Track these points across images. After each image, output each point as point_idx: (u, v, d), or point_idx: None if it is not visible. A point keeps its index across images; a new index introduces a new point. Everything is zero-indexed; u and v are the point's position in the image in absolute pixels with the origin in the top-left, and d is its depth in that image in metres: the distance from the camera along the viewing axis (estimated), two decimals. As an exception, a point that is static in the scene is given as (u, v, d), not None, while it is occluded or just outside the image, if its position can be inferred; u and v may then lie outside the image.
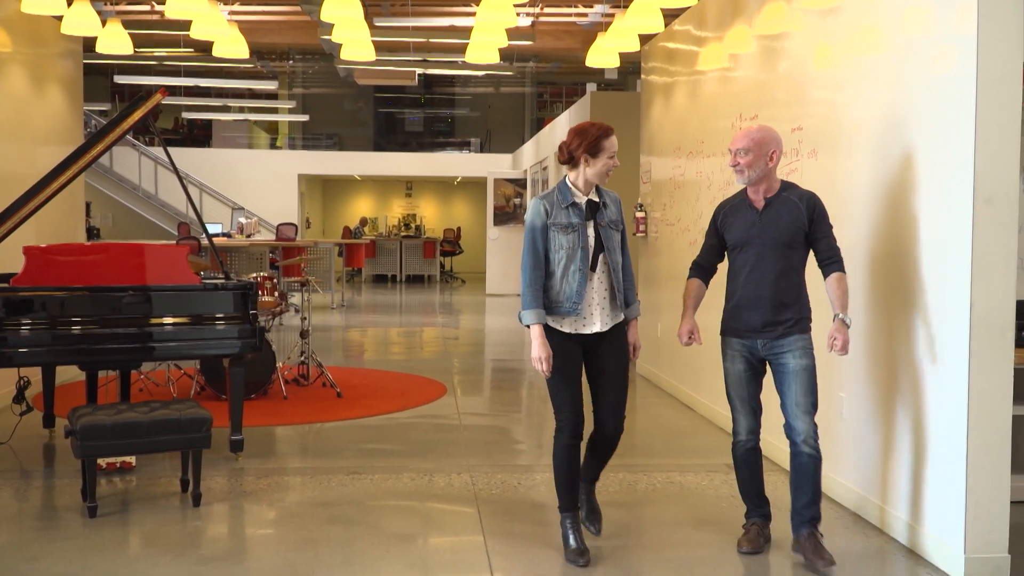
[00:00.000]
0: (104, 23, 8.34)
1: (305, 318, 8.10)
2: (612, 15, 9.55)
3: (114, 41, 8.46)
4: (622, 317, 4.13)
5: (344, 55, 9.31)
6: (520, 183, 18.31)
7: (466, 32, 9.81)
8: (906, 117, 4.30)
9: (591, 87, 15.77)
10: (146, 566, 3.99)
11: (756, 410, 4.18)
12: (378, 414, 7.09)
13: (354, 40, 8.76)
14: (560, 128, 14.62)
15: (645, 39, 8.85)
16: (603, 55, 9.08)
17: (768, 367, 4.13)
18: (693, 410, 7.20)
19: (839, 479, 4.83)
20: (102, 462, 5.17)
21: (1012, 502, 3.93)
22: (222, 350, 5.50)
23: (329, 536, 4.36)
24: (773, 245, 4.00)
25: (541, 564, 4.06)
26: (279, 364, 7.73)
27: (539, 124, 22.81)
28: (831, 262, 4.02)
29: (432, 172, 23.66)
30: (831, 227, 4.05)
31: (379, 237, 22.64)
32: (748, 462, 4.23)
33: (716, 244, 4.24)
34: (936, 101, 4.06)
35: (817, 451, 3.99)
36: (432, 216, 26.20)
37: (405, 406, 7.39)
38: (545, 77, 21.62)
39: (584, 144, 4.00)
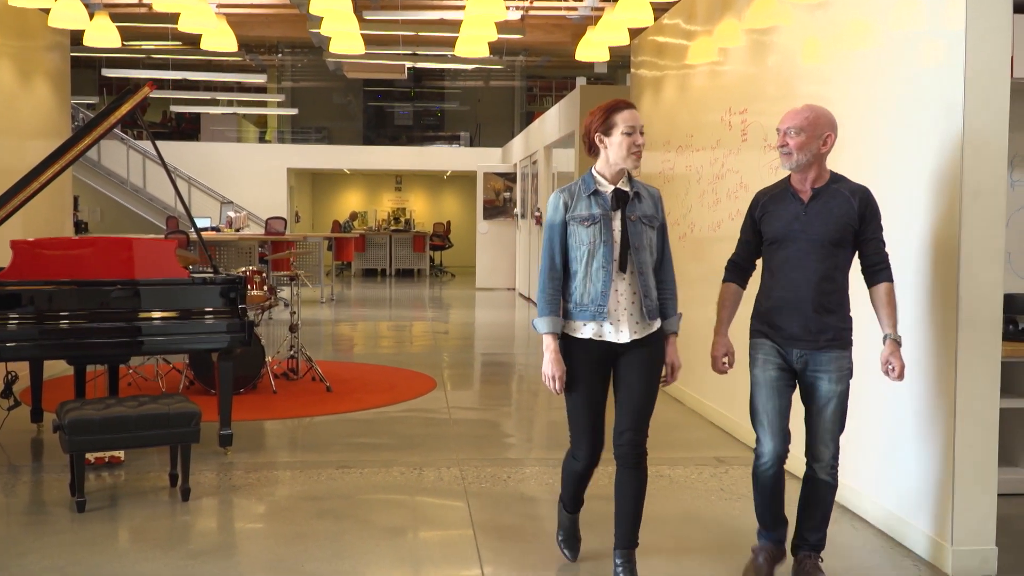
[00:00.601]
0: (92, 16, 8.30)
1: (294, 312, 8.08)
2: (602, 9, 9.54)
3: (102, 34, 8.42)
4: (656, 326, 3.60)
5: (333, 48, 9.28)
6: (510, 177, 18.30)
7: (456, 26, 9.80)
8: (894, 111, 4.31)
9: (581, 81, 15.78)
10: (135, 561, 3.98)
11: (786, 431, 3.65)
12: (368, 408, 7.09)
13: (343, 33, 8.74)
14: (550, 122, 14.61)
15: (635, 33, 8.85)
16: (593, 49, 9.08)
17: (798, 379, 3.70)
18: (682, 404, 7.22)
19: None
20: (90, 457, 5.15)
21: (999, 494, 3.95)
22: (211, 344, 5.49)
23: (318, 530, 4.36)
24: (819, 242, 3.55)
25: (531, 557, 4.07)
26: (268, 358, 7.72)
27: (529, 118, 22.77)
28: (879, 268, 3.60)
29: (422, 166, 23.63)
30: (882, 228, 3.63)
31: (368, 231, 22.59)
32: (771, 487, 3.70)
33: (754, 239, 3.77)
34: (924, 95, 4.07)
35: (835, 479, 3.68)
36: (422, 210, 26.17)
37: (395, 400, 7.39)
38: (535, 71, 21.62)
39: (595, 123, 3.55)
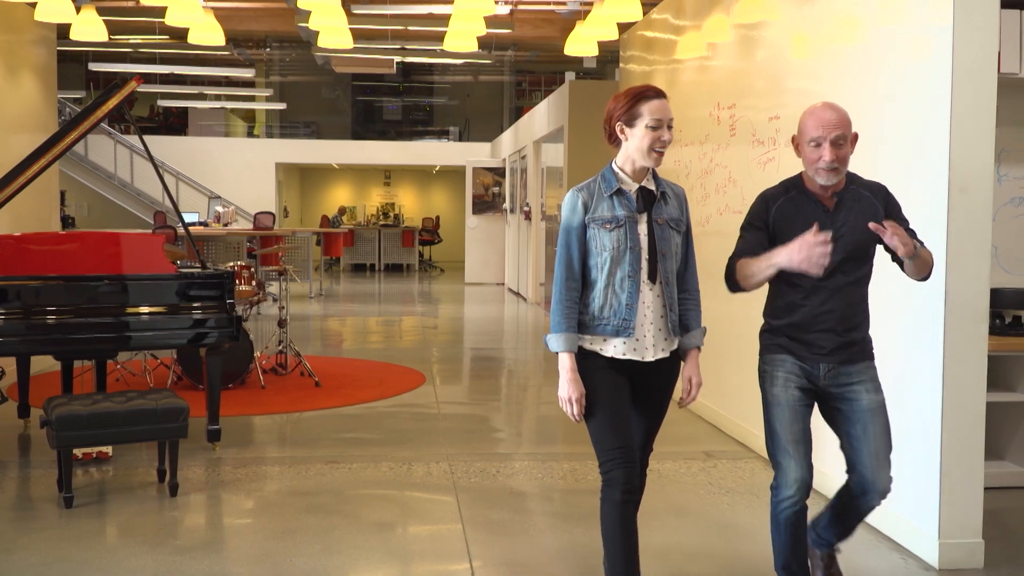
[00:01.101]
0: (78, 9, 8.25)
1: (283, 307, 8.07)
2: (591, 3, 9.53)
3: (88, 28, 8.38)
4: (676, 344, 3.23)
5: (322, 43, 9.25)
6: (499, 172, 18.28)
7: (444, 20, 9.78)
8: (882, 106, 4.32)
9: (570, 76, 15.75)
10: (123, 556, 3.97)
11: (809, 453, 3.27)
12: (357, 403, 7.08)
13: (332, 27, 8.72)
14: (539, 117, 14.60)
15: (624, 27, 8.85)
16: (582, 44, 9.08)
17: (820, 403, 3.35)
18: (672, 399, 7.23)
19: (816, 465, 4.86)
20: (78, 452, 5.13)
21: (985, 488, 3.97)
22: (199, 340, 5.47)
23: (307, 525, 4.35)
24: (850, 253, 3.19)
25: (519, 551, 4.07)
26: (257, 353, 7.70)
27: (518, 113, 22.75)
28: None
29: (411, 161, 23.58)
30: (907, 220, 3.32)
31: (357, 226, 22.55)
32: (793, 527, 3.28)
33: (765, 242, 3.25)
34: (912, 90, 4.08)
35: (884, 496, 3.31)
36: (411, 205, 26.12)
37: (384, 395, 7.38)
38: (524, 66, 21.60)
39: (619, 111, 3.13)
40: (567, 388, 3.09)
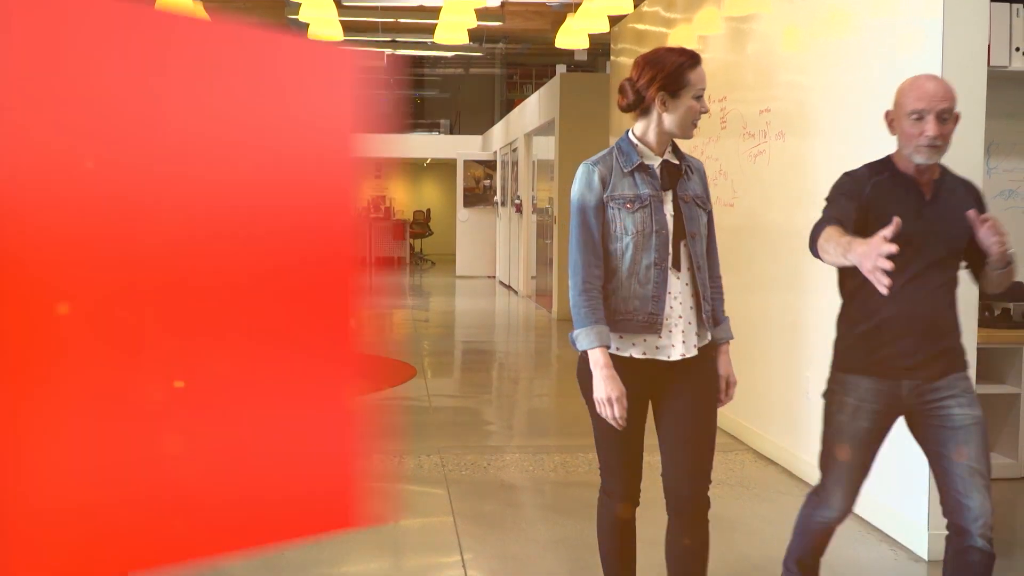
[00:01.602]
0: (66, 1, 8.21)
1: (273, 300, 8.05)
2: (581, -4, 9.53)
3: (77, 19, 8.33)
4: (708, 338, 2.86)
5: (312, 34, 9.23)
6: (490, 165, 18.27)
7: (435, 12, 9.76)
8: (872, 100, 4.33)
9: (561, 68, 15.76)
10: (113, 550, 3.96)
11: (863, 480, 2.96)
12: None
13: (322, 19, 8.69)
14: (530, 110, 14.59)
15: (614, 20, 8.85)
16: (572, 36, 9.07)
17: (907, 419, 2.92)
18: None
19: (804, 457, 4.89)
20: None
21: (974, 479, 3.99)
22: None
23: (298, 518, 4.34)
24: (945, 248, 2.79)
25: (511, 544, 4.08)
26: (247, 346, 7.69)
27: (509, 106, 22.71)
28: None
29: (401, 154, 23.56)
30: None
31: (348, 219, 22.52)
32: (819, 535, 3.07)
33: (852, 213, 2.79)
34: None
35: (991, 543, 2.75)
36: (401, 198, 26.10)
37: (374, 388, 7.36)
38: (515, 58, 21.58)
39: (660, 78, 2.70)
40: (605, 387, 2.65)
